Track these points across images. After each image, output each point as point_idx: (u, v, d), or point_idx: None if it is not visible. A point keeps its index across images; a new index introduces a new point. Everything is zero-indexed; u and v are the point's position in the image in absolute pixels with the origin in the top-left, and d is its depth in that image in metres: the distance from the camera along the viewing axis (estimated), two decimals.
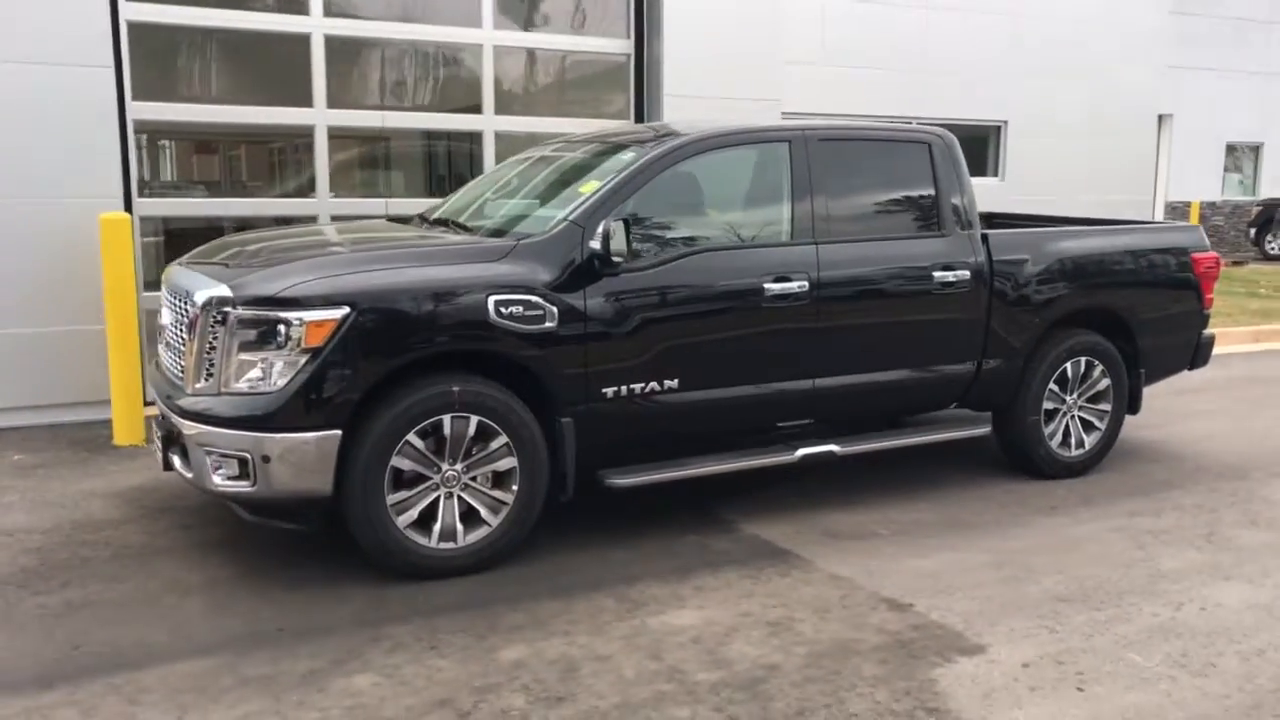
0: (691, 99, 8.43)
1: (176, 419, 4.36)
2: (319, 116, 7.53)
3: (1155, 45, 12.61)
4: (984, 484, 5.88)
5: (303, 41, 7.39)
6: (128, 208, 6.81)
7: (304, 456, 4.12)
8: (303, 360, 4.11)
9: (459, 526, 4.43)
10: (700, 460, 5.01)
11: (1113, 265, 6.03)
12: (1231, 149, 26.22)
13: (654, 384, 4.75)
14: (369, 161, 8.11)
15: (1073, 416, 6.05)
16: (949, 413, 6.01)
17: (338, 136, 7.63)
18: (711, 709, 3.43)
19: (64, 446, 6.34)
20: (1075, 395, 6.04)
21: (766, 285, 4.95)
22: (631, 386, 4.70)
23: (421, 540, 4.37)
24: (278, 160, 7.83)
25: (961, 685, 3.61)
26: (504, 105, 8.16)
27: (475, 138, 8.14)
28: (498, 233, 4.89)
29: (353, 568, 4.46)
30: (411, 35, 7.87)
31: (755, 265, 4.97)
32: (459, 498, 4.43)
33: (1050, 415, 5.97)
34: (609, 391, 4.65)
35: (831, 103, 10.21)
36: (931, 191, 5.55)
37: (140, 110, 6.87)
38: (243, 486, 4.17)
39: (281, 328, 4.11)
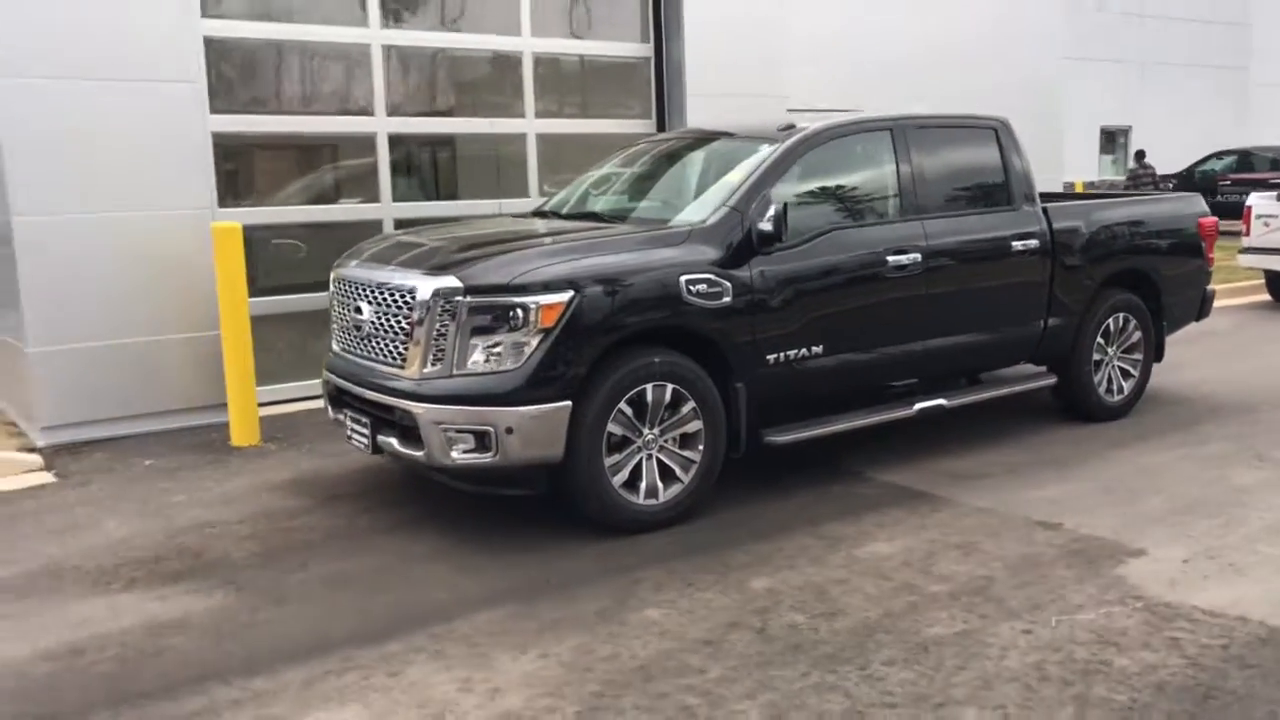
0: (710, 97, 9.00)
1: (401, 402, 4.72)
2: (380, 124, 7.83)
3: (1056, 39, 13.61)
4: (1048, 429, 6.62)
5: (363, 52, 7.70)
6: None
7: (541, 427, 4.56)
8: (537, 340, 4.54)
9: (659, 484, 4.92)
10: (838, 418, 5.59)
11: (1144, 231, 6.88)
12: (1106, 132, 28.25)
13: (804, 350, 5.32)
14: (422, 166, 8.42)
15: (1114, 366, 6.87)
16: (1015, 369, 6.75)
17: (397, 143, 7.94)
18: (963, 609, 4.03)
19: (185, 450, 6.53)
20: (1115, 347, 6.85)
21: (888, 258, 5.58)
22: (787, 353, 5.26)
23: (631, 498, 4.85)
24: (342, 169, 8.09)
25: (1145, 578, 4.29)
26: (543, 109, 8.59)
27: (520, 140, 8.54)
28: (657, 222, 5.36)
29: (553, 530, 4.89)
30: (460, 44, 8.23)
31: (877, 241, 5.59)
32: (656, 459, 4.92)
33: (1096, 366, 6.76)
34: (771, 359, 5.20)
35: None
36: (1001, 169, 6.27)
37: (217, 123, 7.07)
38: (483, 458, 4.58)
39: (519, 312, 4.53)
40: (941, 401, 5.97)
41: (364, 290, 5.07)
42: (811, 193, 5.49)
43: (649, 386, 4.81)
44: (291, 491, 5.67)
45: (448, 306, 4.62)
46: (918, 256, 5.68)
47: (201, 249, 6.88)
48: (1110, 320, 6.77)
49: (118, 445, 6.65)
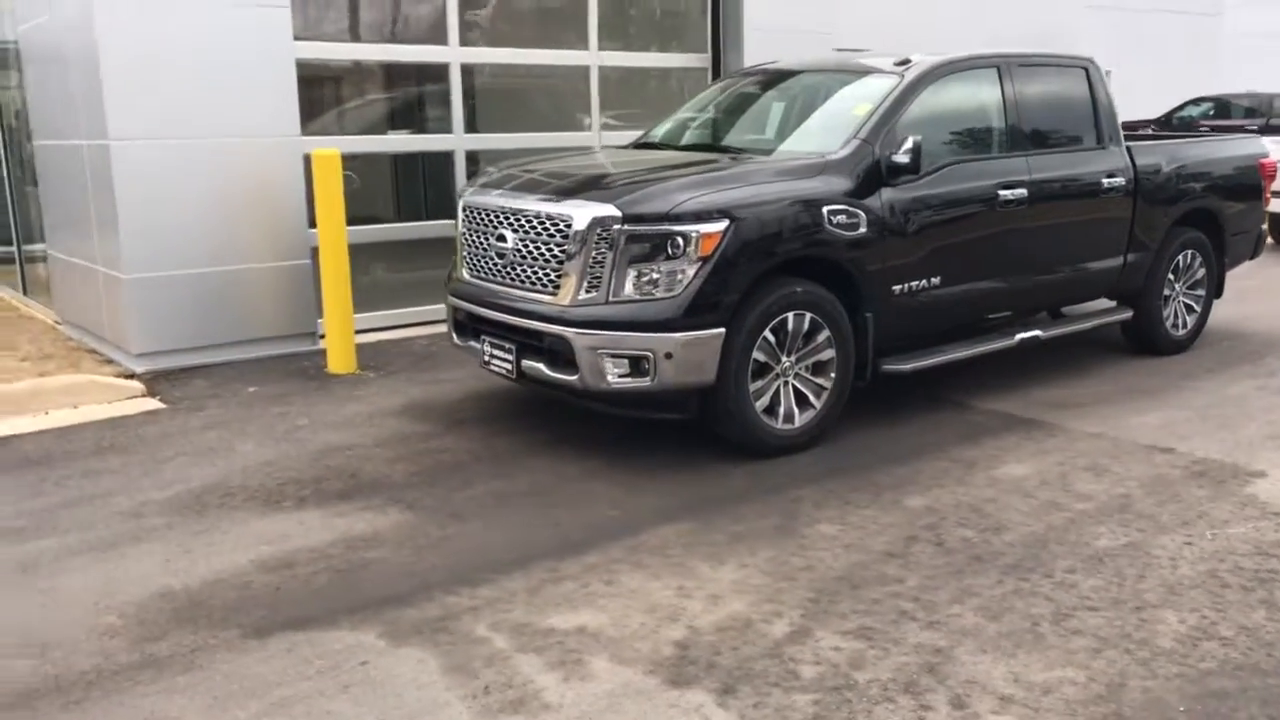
0: (767, 32, 9.06)
1: (554, 328, 4.83)
2: (453, 54, 7.81)
3: None
4: (1121, 362, 6.89)
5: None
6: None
7: (698, 352, 4.70)
8: (694, 269, 4.67)
9: (795, 409, 5.10)
10: (948, 348, 5.79)
11: (1214, 171, 7.11)
12: None
13: (924, 281, 5.49)
14: (491, 99, 8.41)
15: (1180, 301, 7.14)
16: (1089, 305, 6.98)
17: (468, 74, 7.93)
18: (1118, 524, 4.27)
19: (284, 378, 6.58)
20: (1182, 283, 7.12)
21: (1000, 192, 5.76)
22: (910, 284, 5.44)
23: (771, 422, 5.03)
24: (418, 97, 8.06)
25: (1276, 497, 4.56)
26: (604, 43, 8.61)
27: (583, 73, 8.56)
28: (788, 154, 5.47)
29: (693, 453, 5.06)
30: None
31: (990, 174, 5.76)
32: (793, 385, 5.09)
33: (1164, 301, 7.03)
34: (896, 289, 5.37)
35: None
36: (1090, 108, 6.45)
37: (301, 50, 7.02)
38: (641, 383, 4.72)
39: (680, 240, 4.65)
40: (1038, 333, 6.19)
41: (509, 218, 5.14)
42: (931, 126, 5.61)
43: (790, 315, 4.97)
44: (414, 417, 5.77)
45: (604, 235, 4.72)
46: (1024, 192, 5.86)
47: (289, 176, 6.88)
48: (1180, 257, 7.02)
49: (214, 372, 6.68)
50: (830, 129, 5.53)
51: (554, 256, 4.90)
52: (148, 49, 6.32)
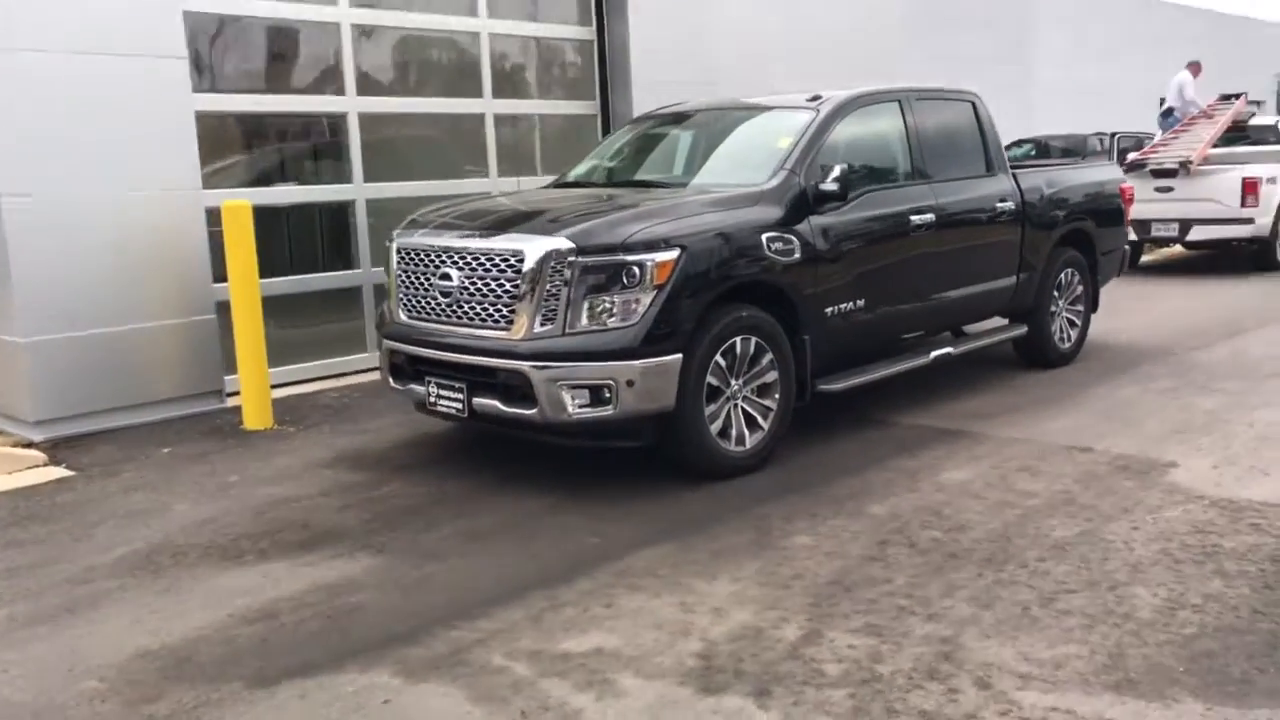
0: (648, 81, 9.32)
1: (509, 363, 4.82)
2: (350, 104, 7.74)
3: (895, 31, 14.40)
4: (1016, 376, 7.28)
5: (334, 30, 7.61)
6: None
7: (658, 378, 4.78)
8: (650, 297, 4.76)
9: (746, 431, 5.23)
10: (872, 368, 6.03)
11: (1085, 194, 7.67)
12: None
13: (851, 303, 5.74)
14: (391, 146, 8.33)
15: (1063, 317, 7.64)
16: (985, 324, 7.39)
17: (366, 123, 7.87)
18: (1066, 516, 4.54)
19: (198, 437, 6.31)
20: (1064, 300, 7.62)
21: (912, 217, 6.08)
22: (840, 306, 5.66)
23: (725, 445, 5.14)
24: (314, 148, 7.92)
25: (1193, 482, 4.93)
26: (499, 89, 8.69)
27: (478, 121, 8.61)
28: (718, 186, 5.63)
29: (646, 480, 5.11)
30: (422, 25, 8.22)
31: (901, 200, 6.08)
32: (741, 408, 5.22)
33: (1050, 317, 7.51)
34: (829, 311, 5.59)
35: None
36: (979, 137, 6.89)
37: (199, 102, 6.85)
38: (602, 412, 4.75)
39: (635, 269, 4.74)
40: (949, 350, 6.53)
41: (451, 256, 5.12)
42: (846, 156, 5.87)
43: (737, 339, 5.10)
44: (350, 466, 5.63)
45: (558, 267, 4.77)
46: (931, 217, 6.20)
47: (191, 229, 6.67)
48: (1062, 275, 7.52)
49: (120, 436, 6.36)
50: (754, 162, 5.73)
51: (505, 292, 4.91)
52: (42, 97, 6.04)
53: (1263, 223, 12.56)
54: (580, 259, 4.74)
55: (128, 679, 3.36)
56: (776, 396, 5.33)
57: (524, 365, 4.79)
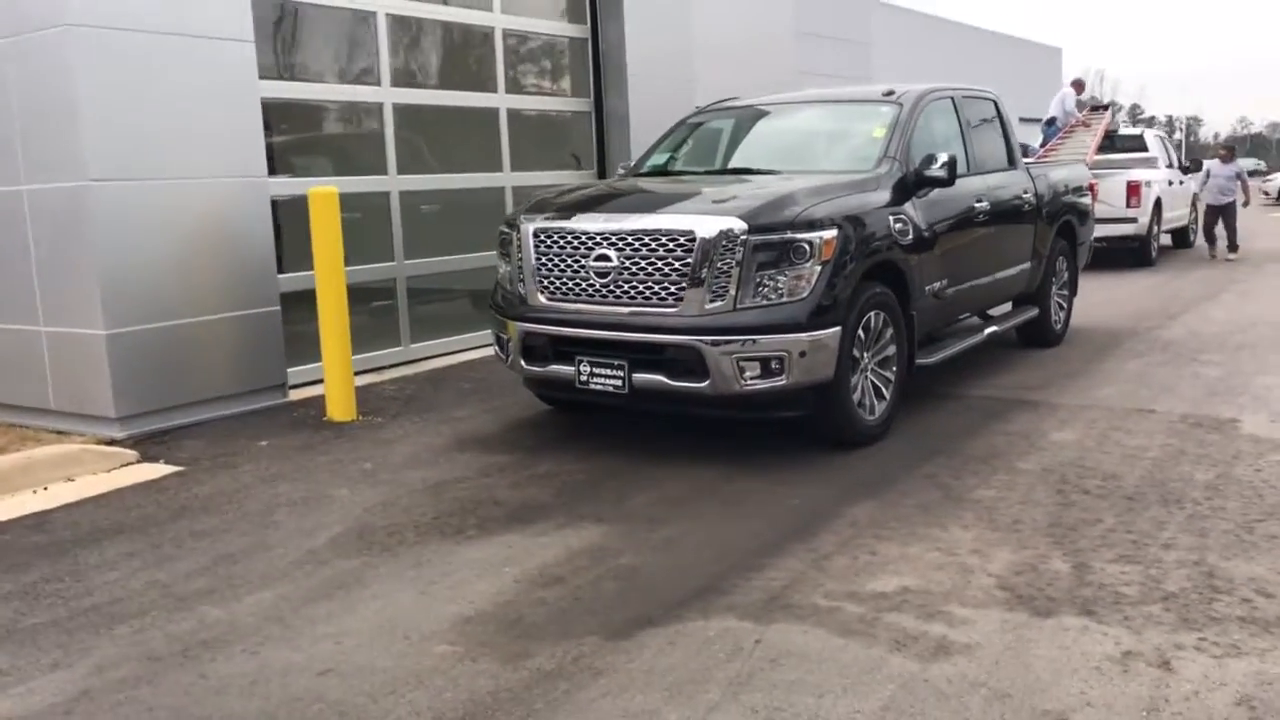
0: (641, 78, 9.60)
1: (681, 338, 5.02)
2: (385, 95, 7.69)
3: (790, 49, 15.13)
4: (1022, 356, 7.89)
5: (370, 20, 7.55)
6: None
7: (824, 350, 5.08)
8: (818, 271, 5.05)
9: (875, 401, 5.59)
10: (948, 344, 6.51)
11: (1072, 189, 8.43)
12: None
13: (939, 283, 6.18)
14: (418, 139, 8.27)
15: (1054, 299, 8.36)
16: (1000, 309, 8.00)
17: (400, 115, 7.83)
18: (1191, 463, 5.08)
19: (288, 430, 6.17)
20: (1055, 285, 8.34)
21: (974, 204, 6.59)
22: (932, 285, 6.10)
23: (861, 414, 5.48)
24: (350, 139, 7.78)
25: (1268, 433, 5.59)
26: (512, 85, 8.78)
27: (491, 115, 8.66)
28: (828, 172, 5.96)
29: (777, 451, 5.42)
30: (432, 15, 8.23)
31: (968, 189, 6.57)
32: (870, 380, 5.59)
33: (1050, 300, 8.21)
34: (928, 289, 6.02)
35: None
36: (1003, 134, 7.50)
37: (265, 89, 6.70)
38: (775, 382, 5.01)
39: (806, 246, 5.02)
40: (996, 328, 7.07)
41: (608, 238, 5.25)
42: (926, 147, 6.32)
43: (871, 314, 5.46)
44: (481, 449, 5.66)
45: (729, 245, 5.00)
46: (987, 205, 6.73)
47: (257, 219, 6.50)
48: (1058, 262, 8.23)
49: (198, 432, 6.15)
50: (852, 151, 6.12)
51: (673, 270, 5.09)
52: (119, 80, 5.79)
53: (1143, 222, 13.91)
54: (752, 237, 4.98)
55: (476, 641, 3.40)
56: (894, 369, 5.70)
57: (696, 340, 4.99)
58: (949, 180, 5.84)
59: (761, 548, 4.12)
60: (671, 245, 5.09)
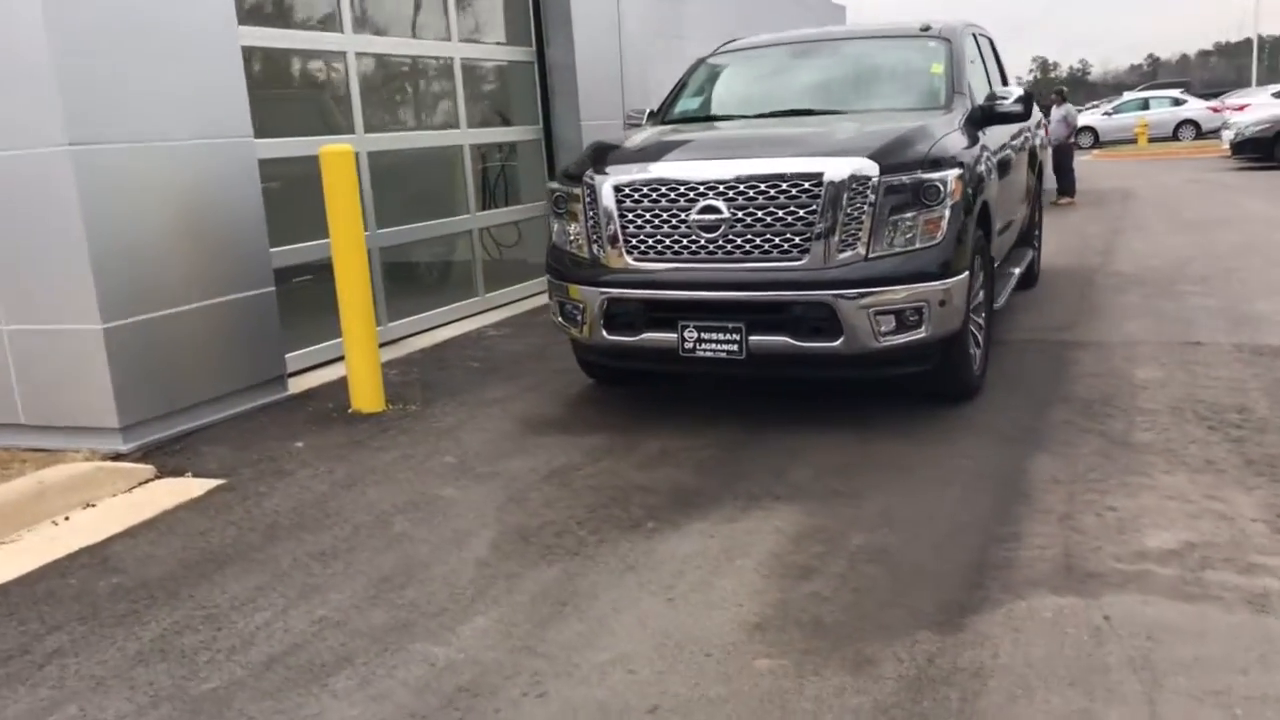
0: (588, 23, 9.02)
1: (810, 294, 4.60)
2: (349, 43, 6.85)
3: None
4: (1014, 297, 7.89)
5: None
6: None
7: (959, 298, 4.77)
8: (948, 214, 4.72)
9: (977, 351, 5.35)
10: (998, 288, 6.34)
11: (1035, 125, 8.44)
12: None
13: (1001, 221, 5.98)
14: (374, 97, 7.41)
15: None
16: None
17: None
18: (1245, 364, 5.11)
19: (318, 428, 5.37)
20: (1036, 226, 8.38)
21: (1011, 142, 6.45)
22: (998, 224, 5.90)
23: (973, 365, 5.23)
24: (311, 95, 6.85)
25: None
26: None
27: (446, 69, 7.90)
28: (903, 111, 5.59)
29: (896, 409, 5.14)
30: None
31: (1008, 127, 6.39)
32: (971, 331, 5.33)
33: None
34: (996, 228, 5.80)
35: None
36: (1001, 74, 7.38)
37: (245, 36, 5.78)
38: (913, 336, 4.65)
39: (938, 186, 4.66)
40: (1017, 270, 6.96)
41: (714, 188, 4.74)
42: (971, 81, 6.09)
43: (975, 258, 5.19)
44: (564, 431, 5.10)
45: (859, 189, 4.60)
46: (1019, 141, 6.59)
47: (244, 186, 5.63)
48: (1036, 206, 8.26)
49: (209, 436, 5.28)
50: (918, 87, 5.81)
51: (797, 219, 4.64)
52: (90, 25, 4.81)
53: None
54: (885, 178, 4.60)
55: (792, 649, 2.92)
56: (984, 314, 5.46)
57: (829, 295, 4.58)
58: (1025, 114, 5.62)
59: (989, 515, 3.79)
60: (795, 191, 4.64)
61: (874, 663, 2.82)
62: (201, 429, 5.36)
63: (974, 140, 5.30)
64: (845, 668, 2.81)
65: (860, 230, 4.60)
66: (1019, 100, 5.58)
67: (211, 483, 4.64)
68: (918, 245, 4.65)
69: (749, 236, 4.71)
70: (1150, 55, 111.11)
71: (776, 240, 4.67)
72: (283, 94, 6.80)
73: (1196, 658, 2.74)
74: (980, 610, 3.07)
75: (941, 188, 4.66)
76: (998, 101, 5.60)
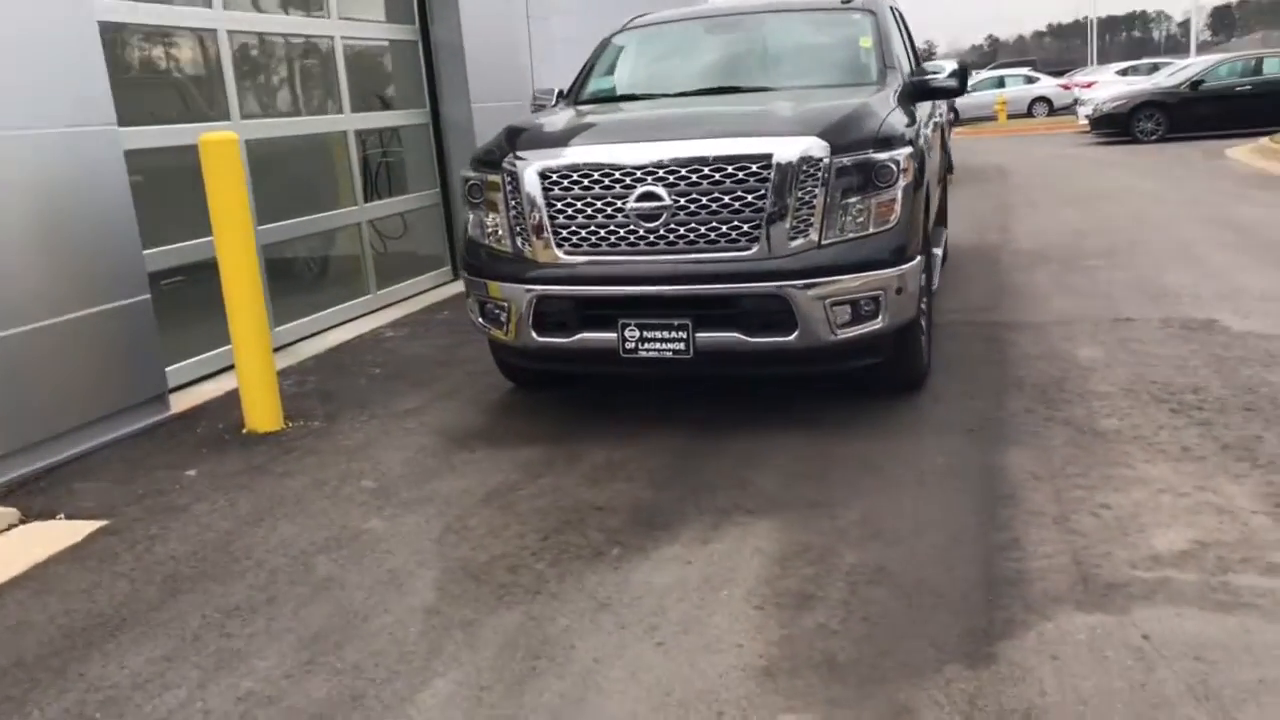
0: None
1: (761, 285, 4.26)
2: (219, 20, 6.18)
3: None
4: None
5: None
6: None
7: (915, 284, 4.49)
8: (901, 195, 4.43)
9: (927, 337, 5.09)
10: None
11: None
12: None
13: (931, 201, 5.76)
14: (250, 79, 6.72)
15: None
16: None
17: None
18: (1259, 366, 5.03)
19: (210, 451, 4.77)
20: None
21: (935, 117, 6.23)
22: (930, 204, 5.67)
23: (922, 354, 4.97)
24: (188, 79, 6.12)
25: (1250, 328, 5.67)
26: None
27: (328, 44, 7.26)
28: (814, 89, 5.28)
29: (856, 403, 4.86)
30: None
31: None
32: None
33: None
34: (933, 206, 5.58)
35: None
36: (910, 42, 7.16)
37: (106, 11, 5.09)
38: (869, 327, 4.34)
39: (891, 166, 4.36)
40: (938, 250, 6.77)
41: (653, 172, 4.34)
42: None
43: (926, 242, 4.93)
44: (492, 444, 4.64)
45: (810, 170, 4.27)
46: (936, 118, 6.38)
47: (109, 180, 4.96)
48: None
49: (82, 471, 4.63)
50: (845, 62, 5.52)
51: (745, 205, 4.28)
52: None
53: None
54: (836, 159, 4.28)
55: (814, 699, 2.57)
56: (926, 299, 5.21)
57: (784, 286, 4.24)
58: (960, 89, 5.39)
59: (978, 519, 3.52)
60: (742, 175, 4.27)
61: (912, 711, 2.48)
62: (73, 460, 4.71)
63: (913, 117, 5.02)
64: (876, 717, 2.46)
65: (812, 215, 4.26)
66: (953, 74, 5.35)
67: (91, 525, 4.02)
68: (871, 230, 4.34)
69: (693, 225, 4.32)
70: (990, 35, 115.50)
71: (723, 228, 4.30)
72: (147, 78, 6.07)
73: (1261, 680, 2.49)
74: (1008, 636, 2.77)
75: (894, 168, 4.36)
76: (931, 76, 5.34)
